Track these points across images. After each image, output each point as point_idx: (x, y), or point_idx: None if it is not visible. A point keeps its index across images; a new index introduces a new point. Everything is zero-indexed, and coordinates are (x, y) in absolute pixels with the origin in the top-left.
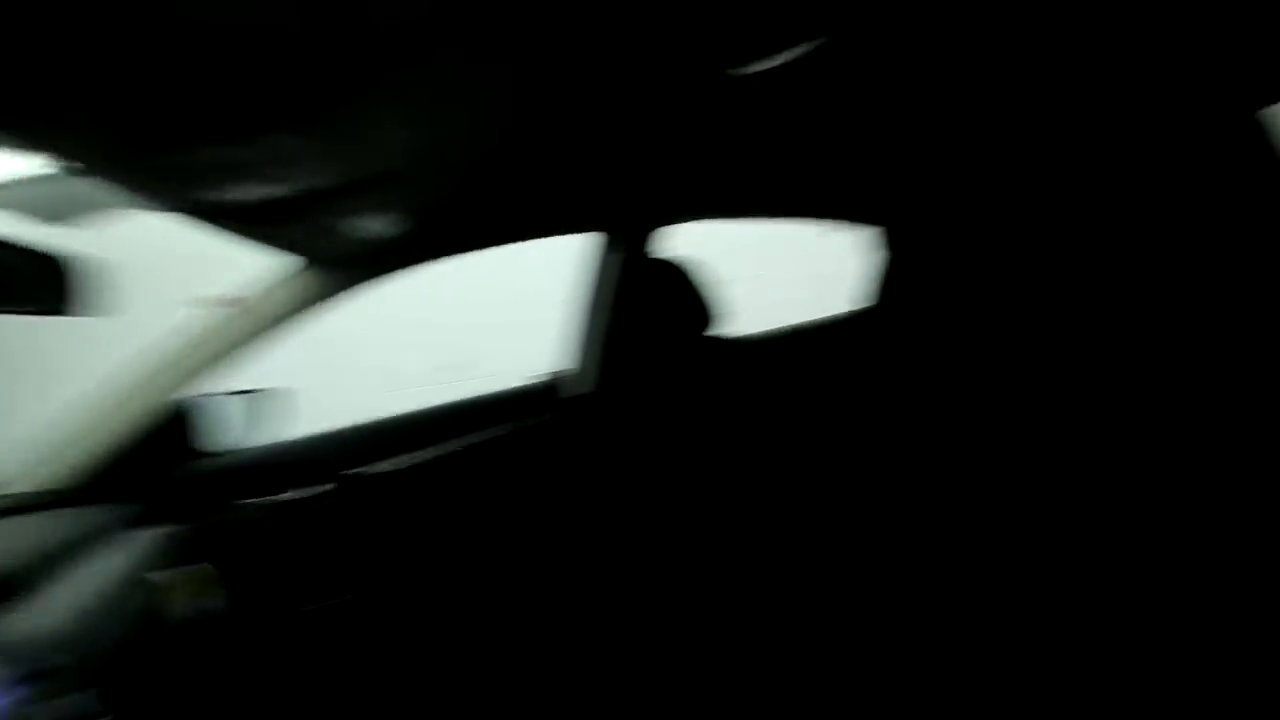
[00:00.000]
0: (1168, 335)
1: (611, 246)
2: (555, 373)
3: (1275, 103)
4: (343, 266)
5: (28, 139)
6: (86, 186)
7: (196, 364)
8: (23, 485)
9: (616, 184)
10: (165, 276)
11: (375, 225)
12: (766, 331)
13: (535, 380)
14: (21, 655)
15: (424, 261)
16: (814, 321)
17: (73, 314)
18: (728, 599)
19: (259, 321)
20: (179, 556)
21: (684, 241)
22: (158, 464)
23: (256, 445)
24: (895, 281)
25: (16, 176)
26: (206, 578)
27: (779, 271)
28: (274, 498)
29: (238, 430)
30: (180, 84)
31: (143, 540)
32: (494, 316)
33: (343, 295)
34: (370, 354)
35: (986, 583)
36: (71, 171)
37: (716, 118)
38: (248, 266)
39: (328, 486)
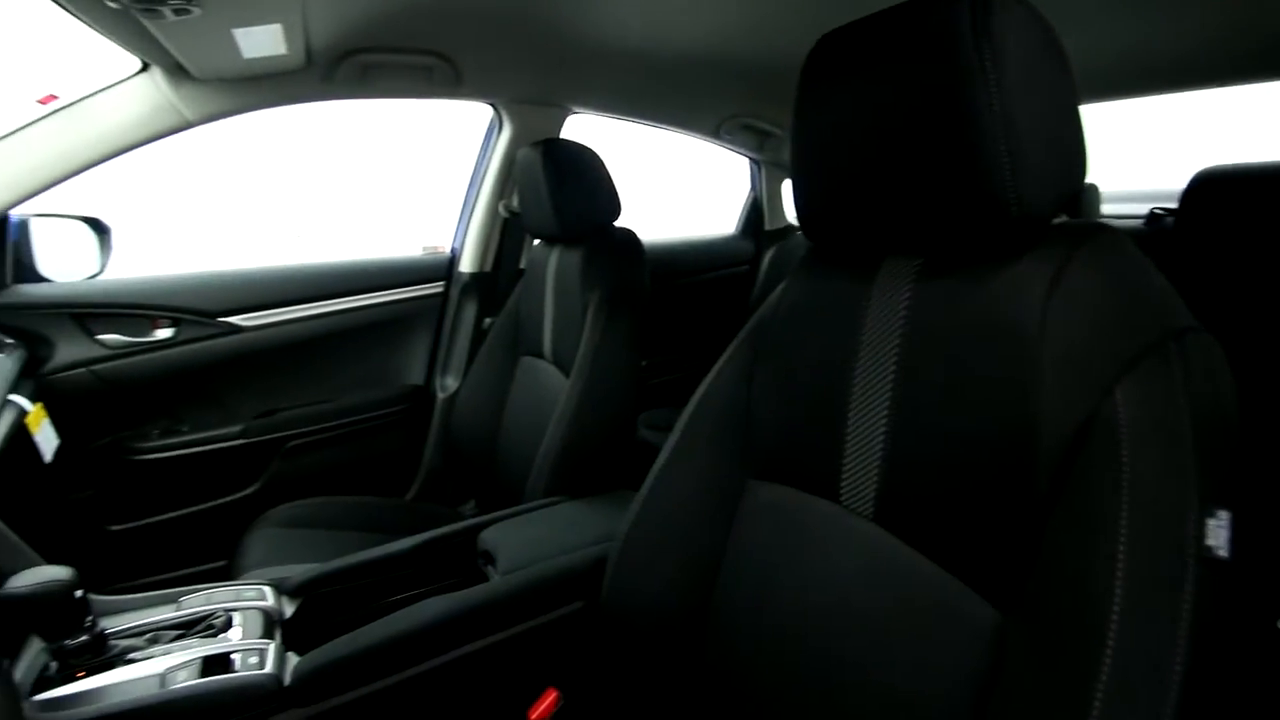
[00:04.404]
0: None
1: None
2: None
3: None
4: (213, 85)
5: None
6: None
7: (20, 173)
8: None
9: None
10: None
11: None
12: None
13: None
14: None
15: (317, 99)
16: None
17: None
18: None
19: (95, 133)
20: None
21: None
22: None
23: (84, 279)
24: None
25: None
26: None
27: None
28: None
29: (69, 259)
30: None
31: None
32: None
33: (206, 118)
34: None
35: None
36: None
37: None
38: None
39: None
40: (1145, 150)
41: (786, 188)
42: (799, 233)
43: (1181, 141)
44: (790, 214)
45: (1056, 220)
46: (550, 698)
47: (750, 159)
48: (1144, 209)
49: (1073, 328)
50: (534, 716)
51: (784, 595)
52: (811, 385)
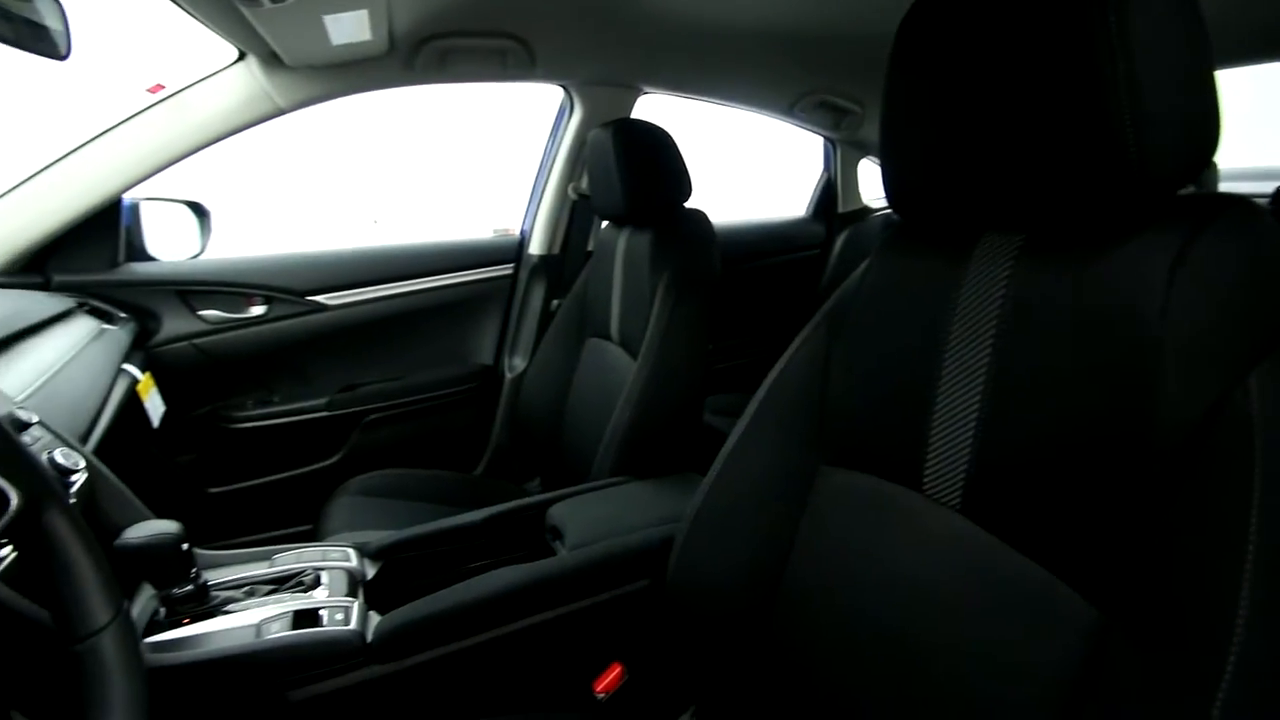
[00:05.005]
0: None
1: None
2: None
3: None
4: (304, 72)
5: None
6: None
7: (133, 159)
8: None
9: None
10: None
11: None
12: None
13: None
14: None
15: (398, 84)
16: None
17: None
18: None
19: (197, 121)
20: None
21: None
22: (91, 258)
23: (187, 258)
24: None
25: None
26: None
27: None
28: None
29: (173, 240)
30: None
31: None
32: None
33: (296, 105)
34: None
35: None
36: None
37: None
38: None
39: None
40: (1269, 124)
41: (863, 168)
42: (874, 215)
43: None
44: (866, 195)
45: (1182, 192)
46: (615, 671)
47: (825, 138)
48: (1268, 188)
49: (1200, 308)
50: (599, 688)
51: (860, 586)
52: (895, 369)
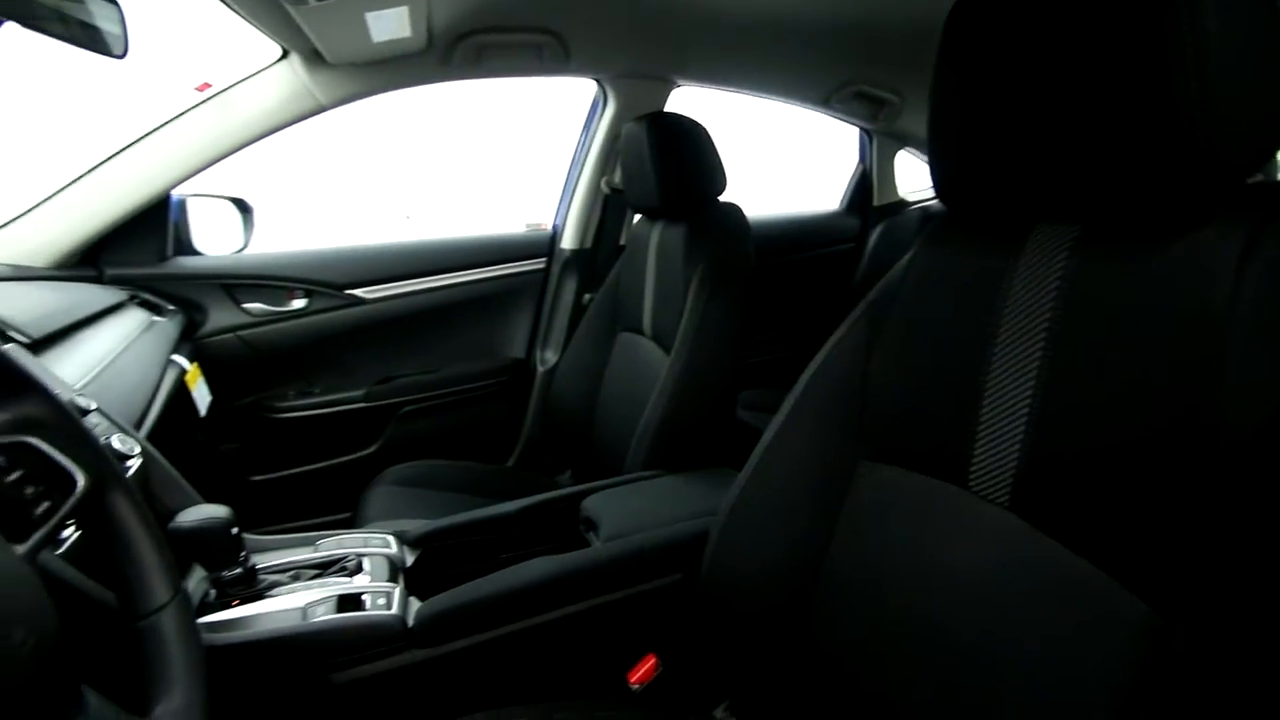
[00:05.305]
0: None
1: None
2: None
3: None
4: (344, 69)
5: None
6: None
7: (181, 157)
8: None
9: None
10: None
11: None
12: None
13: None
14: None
15: (435, 80)
16: None
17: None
18: None
19: (242, 119)
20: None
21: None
22: (141, 252)
23: (232, 253)
24: None
25: None
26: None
27: None
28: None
29: (218, 234)
30: None
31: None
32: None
33: (337, 102)
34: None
35: None
36: None
37: None
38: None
39: None
40: None
41: (900, 159)
42: (911, 208)
43: None
44: (902, 188)
45: (1251, 180)
46: (649, 663)
47: (861, 129)
48: None
49: (1270, 302)
50: (634, 679)
51: (901, 582)
52: (940, 362)
